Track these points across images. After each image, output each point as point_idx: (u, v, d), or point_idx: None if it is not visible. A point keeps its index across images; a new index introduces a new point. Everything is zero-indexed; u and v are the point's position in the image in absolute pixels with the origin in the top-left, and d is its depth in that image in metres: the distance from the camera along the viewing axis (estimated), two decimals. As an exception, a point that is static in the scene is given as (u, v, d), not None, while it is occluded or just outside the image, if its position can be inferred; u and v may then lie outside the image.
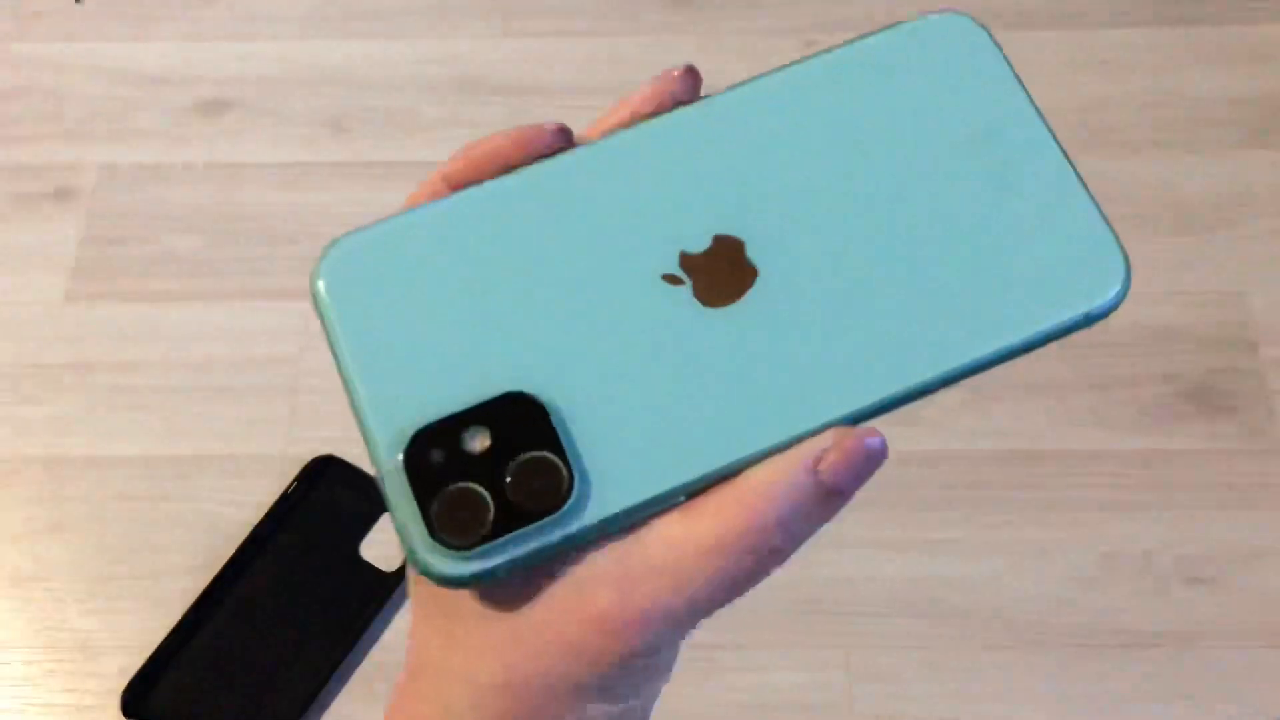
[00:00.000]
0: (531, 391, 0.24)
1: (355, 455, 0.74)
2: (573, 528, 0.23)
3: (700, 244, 0.25)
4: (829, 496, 0.24)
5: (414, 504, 0.23)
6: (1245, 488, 0.74)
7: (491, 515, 0.23)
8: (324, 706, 0.69)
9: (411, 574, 0.26)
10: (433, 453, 0.24)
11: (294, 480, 0.75)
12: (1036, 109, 0.26)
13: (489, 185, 0.27)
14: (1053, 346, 0.26)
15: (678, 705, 0.72)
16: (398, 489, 0.24)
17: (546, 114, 0.87)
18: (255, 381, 0.80)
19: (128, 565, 0.74)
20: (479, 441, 0.24)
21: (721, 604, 0.24)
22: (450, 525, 0.23)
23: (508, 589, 0.24)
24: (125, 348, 0.81)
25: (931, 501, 0.74)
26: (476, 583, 0.23)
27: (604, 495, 0.24)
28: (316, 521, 0.74)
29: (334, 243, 0.26)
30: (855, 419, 0.24)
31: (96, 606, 0.73)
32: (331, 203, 0.87)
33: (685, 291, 0.25)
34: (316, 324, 0.25)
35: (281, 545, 0.73)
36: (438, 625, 0.25)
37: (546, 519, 0.23)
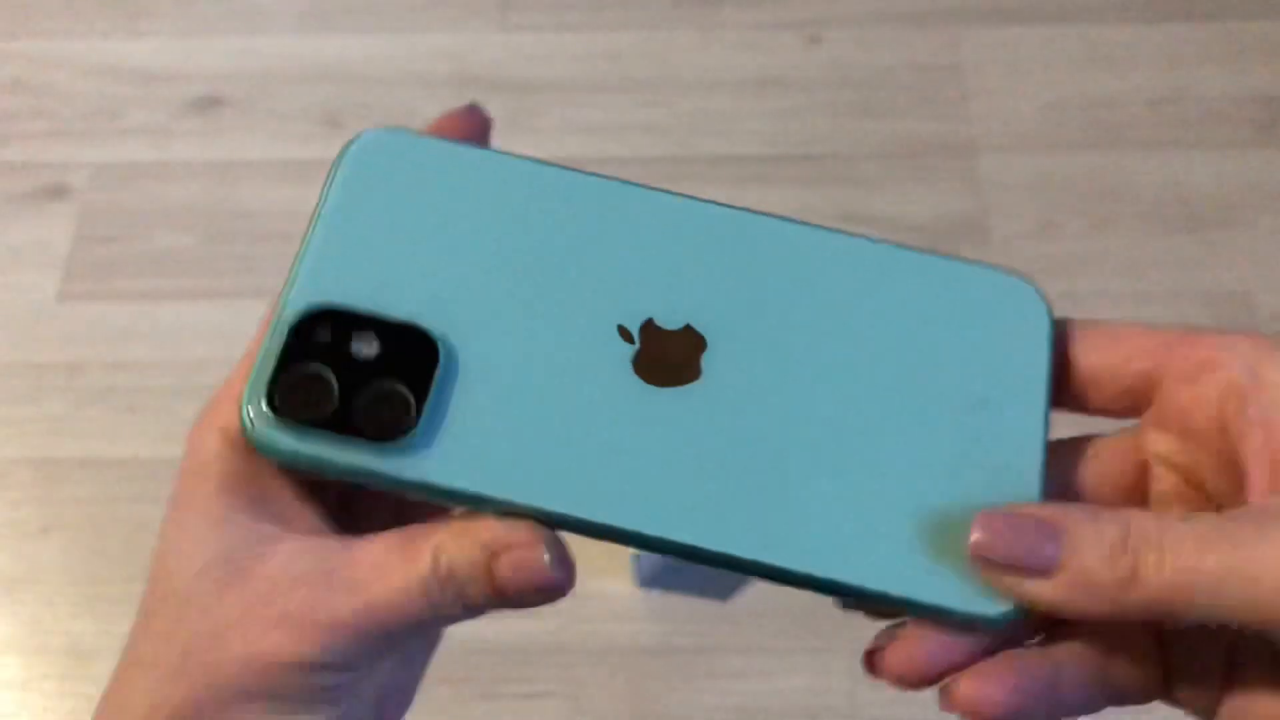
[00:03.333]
0: (440, 341, 0.25)
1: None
2: (379, 465, 0.23)
3: (673, 321, 0.26)
4: (496, 593, 0.24)
5: (276, 359, 0.24)
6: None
7: (330, 411, 0.24)
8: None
9: (166, 528, 0.25)
10: (321, 331, 0.24)
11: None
12: (1046, 407, 0.26)
13: (546, 166, 0.27)
14: None
15: (680, 710, 0.71)
16: (275, 340, 0.24)
17: (546, 109, 0.87)
18: (250, 381, 0.79)
19: (120, 568, 0.73)
20: (366, 348, 0.24)
21: (409, 633, 0.24)
22: (292, 394, 0.24)
23: (223, 570, 0.24)
24: (118, 347, 0.80)
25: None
26: (273, 455, 0.24)
27: (432, 461, 0.24)
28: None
29: (387, 130, 0.27)
30: (691, 552, 0.24)
31: (88, 610, 0.72)
32: (328, 200, 0.86)
33: (627, 352, 0.25)
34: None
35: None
36: (146, 605, 0.24)
37: (369, 442, 0.23)
